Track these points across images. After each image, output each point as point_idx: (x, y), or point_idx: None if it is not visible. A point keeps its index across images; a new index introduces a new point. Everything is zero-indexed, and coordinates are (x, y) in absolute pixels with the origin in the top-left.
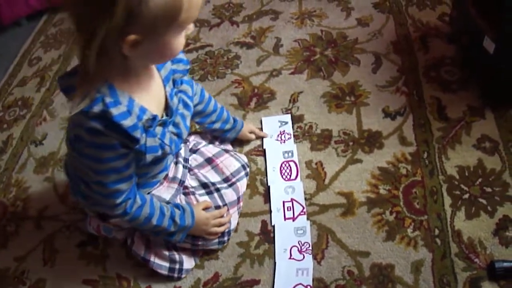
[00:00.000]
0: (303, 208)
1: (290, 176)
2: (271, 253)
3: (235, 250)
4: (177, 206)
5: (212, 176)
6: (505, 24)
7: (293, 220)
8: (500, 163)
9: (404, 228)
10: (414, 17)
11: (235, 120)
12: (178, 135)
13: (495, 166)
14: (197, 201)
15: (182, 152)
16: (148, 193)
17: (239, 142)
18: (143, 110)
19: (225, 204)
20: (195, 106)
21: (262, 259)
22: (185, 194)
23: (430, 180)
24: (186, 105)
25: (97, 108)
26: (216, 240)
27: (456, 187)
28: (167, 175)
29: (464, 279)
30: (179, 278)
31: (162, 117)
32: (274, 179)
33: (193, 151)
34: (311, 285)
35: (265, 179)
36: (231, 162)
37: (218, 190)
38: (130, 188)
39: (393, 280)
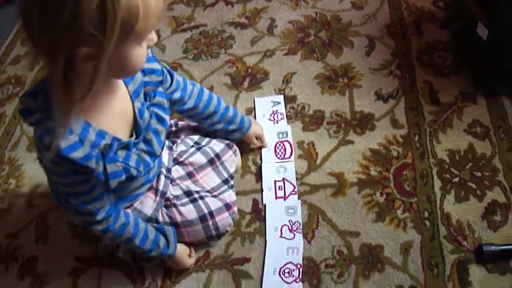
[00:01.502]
0: (294, 187)
1: (284, 155)
2: (262, 232)
3: None
4: (164, 233)
5: (194, 187)
6: (500, 11)
7: (284, 200)
8: (491, 148)
9: (394, 209)
10: (409, 1)
11: (241, 121)
12: (151, 154)
13: (486, 151)
14: (180, 213)
15: (165, 161)
16: (129, 206)
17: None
18: (101, 134)
19: (211, 212)
20: (191, 109)
21: (253, 237)
22: (167, 206)
23: (420, 163)
24: (160, 120)
25: (47, 139)
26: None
27: (446, 171)
28: (151, 186)
29: (452, 261)
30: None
31: (131, 136)
32: (267, 159)
33: (177, 161)
34: (301, 264)
35: (257, 159)
36: (211, 178)
37: (202, 198)
38: (108, 205)
39: (382, 260)
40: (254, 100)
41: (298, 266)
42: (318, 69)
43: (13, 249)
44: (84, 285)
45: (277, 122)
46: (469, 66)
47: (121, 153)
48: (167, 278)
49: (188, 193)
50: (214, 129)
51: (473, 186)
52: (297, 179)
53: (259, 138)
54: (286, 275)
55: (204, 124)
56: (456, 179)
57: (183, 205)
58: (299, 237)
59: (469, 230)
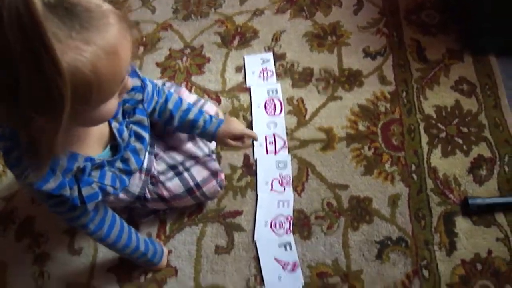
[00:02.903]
0: (285, 142)
1: (275, 112)
2: (253, 186)
3: None
4: (154, 244)
5: (179, 156)
6: None
7: (275, 154)
8: (477, 105)
9: (382, 163)
10: None
11: (205, 124)
12: (127, 172)
13: (472, 107)
14: (167, 189)
15: (147, 138)
16: None
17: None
18: (74, 157)
19: (197, 183)
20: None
21: (244, 191)
22: (153, 184)
23: (408, 118)
24: (139, 138)
25: (16, 170)
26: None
27: (433, 126)
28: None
29: (438, 213)
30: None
31: (110, 154)
32: (258, 115)
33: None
34: (292, 216)
35: (248, 115)
36: (193, 151)
37: (187, 169)
38: (99, 216)
39: (371, 212)
40: (244, 58)
41: (289, 218)
42: (306, 27)
43: (10, 211)
44: (81, 242)
45: (267, 79)
46: (456, 24)
47: (95, 173)
48: (161, 233)
49: (172, 167)
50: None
51: (460, 141)
52: (287, 134)
53: (238, 137)
54: (277, 227)
55: (168, 128)
56: (443, 134)
57: (169, 180)
58: (289, 190)
59: (455, 183)
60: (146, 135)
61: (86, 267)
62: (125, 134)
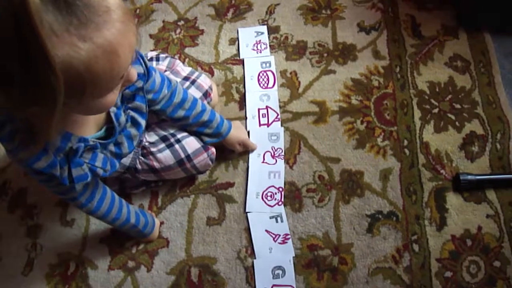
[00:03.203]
0: (277, 115)
1: (268, 84)
2: (245, 158)
3: None
4: (145, 216)
5: (171, 128)
6: None
7: (268, 126)
8: (470, 82)
9: (374, 137)
10: None
11: (218, 126)
12: (117, 155)
13: (465, 84)
14: (157, 160)
15: (143, 124)
16: None
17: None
18: (67, 137)
19: (188, 156)
20: (159, 110)
21: (236, 163)
22: (144, 155)
23: (401, 93)
24: (135, 124)
25: (7, 146)
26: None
27: (426, 101)
28: None
29: (430, 189)
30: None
31: (105, 136)
32: (251, 88)
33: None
34: (283, 187)
35: (241, 87)
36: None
37: (179, 141)
38: (89, 189)
39: (362, 186)
40: (237, 31)
41: (280, 189)
42: (301, 0)
43: (2, 183)
44: (73, 214)
45: (260, 52)
46: (452, 0)
47: (87, 155)
48: (153, 204)
49: (164, 138)
50: (188, 130)
51: (452, 117)
52: (280, 107)
53: (242, 144)
54: (269, 198)
55: (176, 125)
56: (436, 110)
57: (160, 151)
58: (281, 162)
59: (447, 159)
60: (142, 122)
61: (78, 239)
62: (122, 118)
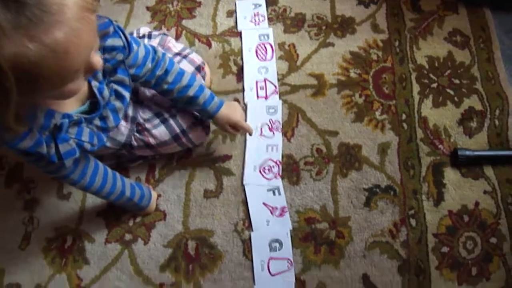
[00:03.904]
0: (276, 87)
1: (266, 57)
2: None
3: None
4: (141, 189)
5: (165, 103)
6: None
7: (266, 99)
8: (470, 57)
9: (372, 111)
10: None
11: (205, 103)
12: (103, 129)
13: (465, 59)
14: (153, 136)
15: (127, 97)
16: None
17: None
18: (50, 113)
19: (183, 130)
20: (143, 83)
21: (234, 136)
22: (139, 132)
23: (400, 67)
24: (119, 96)
25: None
26: None
27: (425, 76)
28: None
29: (427, 163)
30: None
31: (89, 110)
32: (249, 60)
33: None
34: (281, 160)
35: (239, 59)
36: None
37: (173, 116)
38: (80, 165)
39: (360, 159)
40: (235, 3)
41: (278, 162)
42: None
43: None
44: (70, 188)
45: (258, 24)
46: None
47: (73, 130)
48: (150, 177)
49: (158, 114)
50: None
51: (451, 92)
52: (278, 79)
53: (235, 126)
54: (266, 171)
55: (166, 99)
56: (435, 85)
57: (154, 127)
58: (278, 135)
59: (445, 134)
60: (126, 94)
61: (75, 212)
62: (105, 92)
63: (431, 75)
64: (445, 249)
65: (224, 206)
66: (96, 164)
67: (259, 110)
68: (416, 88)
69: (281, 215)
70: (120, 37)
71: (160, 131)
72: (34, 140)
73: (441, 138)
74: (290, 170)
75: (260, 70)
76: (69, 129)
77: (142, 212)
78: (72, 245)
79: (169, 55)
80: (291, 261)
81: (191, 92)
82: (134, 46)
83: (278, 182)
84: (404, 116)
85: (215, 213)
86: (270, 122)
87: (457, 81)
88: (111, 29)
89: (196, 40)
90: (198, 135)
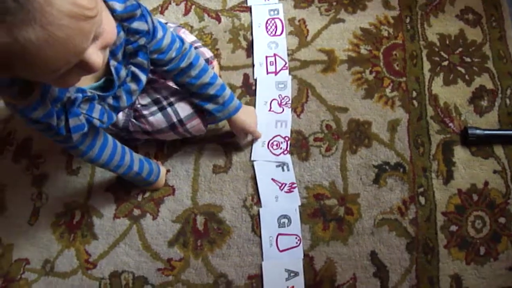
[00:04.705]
0: (285, 63)
1: (276, 32)
2: (252, 105)
3: None
4: (150, 164)
5: (165, 90)
6: None
7: (275, 74)
8: (482, 36)
9: (382, 87)
10: None
11: (224, 103)
12: (115, 109)
13: (476, 38)
14: (149, 123)
15: (143, 80)
16: None
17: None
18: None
19: (180, 120)
20: (165, 72)
21: None
22: (136, 118)
23: (410, 44)
24: (136, 79)
25: (6, 98)
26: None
27: (436, 54)
28: None
29: (437, 141)
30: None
31: (104, 87)
32: (259, 35)
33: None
34: (289, 136)
35: (248, 34)
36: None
37: (171, 104)
38: (89, 136)
39: (370, 136)
40: None
41: (286, 138)
42: None
43: (7, 134)
44: (78, 162)
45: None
46: None
47: (85, 105)
48: (159, 153)
49: (156, 100)
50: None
51: (462, 70)
52: (288, 55)
53: (247, 133)
54: (275, 147)
55: (181, 91)
56: (446, 63)
57: (152, 114)
58: (288, 111)
59: (456, 112)
60: (143, 78)
61: (84, 187)
62: (123, 72)
63: (442, 53)
64: (453, 228)
65: (233, 182)
66: (106, 136)
67: (269, 86)
68: (426, 65)
69: (289, 191)
70: (146, 21)
71: (157, 119)
72: (46, 111)
73: (451, 116)
74: (300, 146)
75: (270, 45)
76: (82, 104)
77: (150, 187)
78: (81, 220)
79: None
80: (299, 237)
81: (212, 90)
82: (160, 32)
83: (287, 158)
84: (414, 94)
85: (224, 189)
86: (279, 98)
87: (468, 60)
88: (139, 11)
89: (206, 15)
90: (196, 127)
